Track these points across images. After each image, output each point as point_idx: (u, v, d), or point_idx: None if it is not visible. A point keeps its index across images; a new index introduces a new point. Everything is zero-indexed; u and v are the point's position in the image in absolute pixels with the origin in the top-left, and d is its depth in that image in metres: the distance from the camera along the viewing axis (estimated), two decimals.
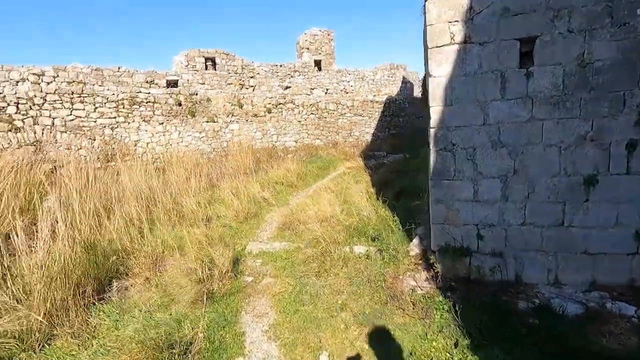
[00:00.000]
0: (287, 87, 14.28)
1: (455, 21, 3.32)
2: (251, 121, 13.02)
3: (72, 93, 9.78)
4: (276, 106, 13.57)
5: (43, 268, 3.07)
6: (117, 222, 4.86)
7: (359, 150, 14.63)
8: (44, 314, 3.04)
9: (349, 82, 16.20)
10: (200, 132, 11.95)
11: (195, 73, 12.13)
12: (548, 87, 3.21)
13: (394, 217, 5.66)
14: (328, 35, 15.51)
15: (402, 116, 17.39)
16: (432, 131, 3.57)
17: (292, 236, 5.72)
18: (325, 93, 15.42)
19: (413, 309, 3.31)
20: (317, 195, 8.04)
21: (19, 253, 3.62)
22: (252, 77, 13.38)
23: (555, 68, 3.17)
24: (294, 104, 13.99)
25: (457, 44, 3.35)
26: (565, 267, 3.43)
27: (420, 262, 4.12)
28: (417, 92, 19.29)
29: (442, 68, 3.43)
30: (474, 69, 3.35)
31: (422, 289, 3.58)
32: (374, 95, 16.77)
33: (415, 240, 4.38)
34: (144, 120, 10.88)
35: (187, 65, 12.01)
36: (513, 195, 3.45)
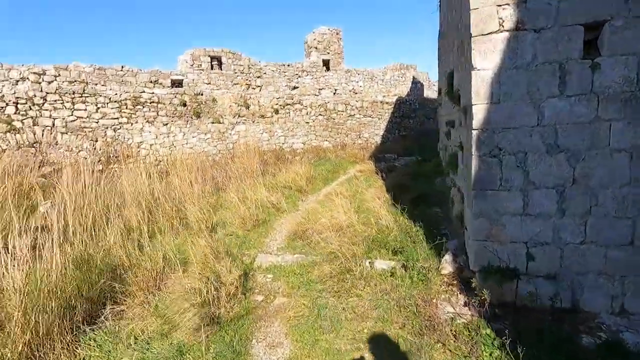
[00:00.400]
0: (294, 88, 13.83)
1: (506, 4, 2.83)
2: (258, 122, 12.59)
3: (74, 93, 9.41)
4: (284, 107, 13.13)
5: (21, 293, 2.61)
6: (116, 233, 4.42)
7: (369, 152, 14.14)
8: (23, 346, 2.59)
9: (357, 82, 15.72)
10: (205, 134, 11.53)
11: (201, 73, 11.73)
12: (618, 81, 2.70)
13: (415, 226, 5.16)
14: (337, 34, 15.05)
15: (413, 117, 16.87)
16: (474, 133, 3.08)
17: (304, 247, 5.25)
18: (334, 93, 14.95)
19: (455, 342, 2.81)
20: (329, 200, 7.58)
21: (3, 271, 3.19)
22: (258, 77, 12.95)
23: (628, 59, 2.66)
24: (301, 104, 13.54)
25: (507, 31, 2.86)
26: (634, 294, 2.91)
27: (455, 282, 3.62)
28: (427, 92, 18.77)
29: (487, 60, 2.93)
30: (527, 61, 2.85)
31: (462, 317, 3.08)
32: (384, 96, 16.27)
33: (447, 257, 3.88)
34: (147, 121, 10.49)
35: (192, 65, 11.61)
36: (571, 209, 2.94)
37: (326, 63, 14.97)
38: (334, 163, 12.13)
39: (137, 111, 10.27)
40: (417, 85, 17.87)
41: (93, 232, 4.36)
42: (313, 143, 13.71)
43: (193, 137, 11.31)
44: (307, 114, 13.63)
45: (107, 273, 3.65)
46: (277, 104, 12.96)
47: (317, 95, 14.36)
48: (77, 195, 5.04)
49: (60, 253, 3.41)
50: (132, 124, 10.24)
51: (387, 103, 15.76)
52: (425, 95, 18.25)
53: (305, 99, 13.74)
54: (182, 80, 11.41)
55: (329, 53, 14.90)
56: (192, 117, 11.21)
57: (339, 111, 14.46)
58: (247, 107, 12.34)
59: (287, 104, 13.20)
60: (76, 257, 3.63)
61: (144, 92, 10.41)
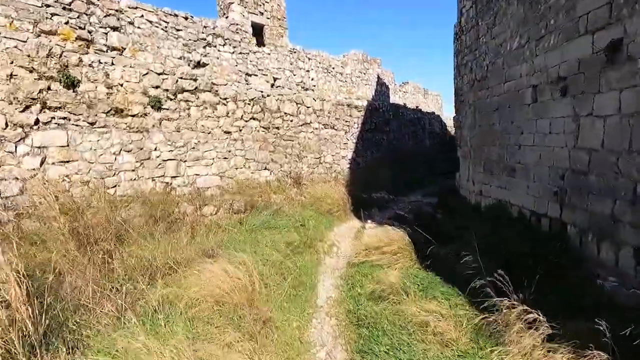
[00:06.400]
0: (199, 64, 6.88)
1: None
2: (107, 126, 5.23)
3: None
4: (175, 96, 6.08)
5: None
6: None
7: (342, 188, 8.03)
8: None
9: (308, 71, 9.60)
10: None
11: None
12: None
13: None
14: None
15: (386, 132, 11.55)
16: None
17: None
18: (272, 85, 8.48)
19: None
20: None
21: None
22: (115, 29, 5.64)
23: None
24: (217, 95, 6.70)
25: None
26: None
27: None
28: (394, 98, 13.87)
29: None
30: None
31: None
32: (346, 97, 10.53)
33: None
34: None
35: None
36: None
37: (258, 31, 8.47)
38: (291, 221, 5.60)
39: None
40: (382, 88, 12.74)
41: None
42: (240, 174, 6.90)
43: None
44: (228, 115, 6.82)
45: None
46: (158, 86, 5.84)
47: (247, 85, 7.68)
48: None
49: None
50: None
51: (356, 107, 10.05)
52: (392, 100, 13.25)
53: (222, 84, 6.92)
54: None
55: (262, 14, 8.44)
56: None
57: (285, 115, 8.06)
58: (72, 87, 4.90)
59: (185, 91, 6.19)
60: None
61: None
